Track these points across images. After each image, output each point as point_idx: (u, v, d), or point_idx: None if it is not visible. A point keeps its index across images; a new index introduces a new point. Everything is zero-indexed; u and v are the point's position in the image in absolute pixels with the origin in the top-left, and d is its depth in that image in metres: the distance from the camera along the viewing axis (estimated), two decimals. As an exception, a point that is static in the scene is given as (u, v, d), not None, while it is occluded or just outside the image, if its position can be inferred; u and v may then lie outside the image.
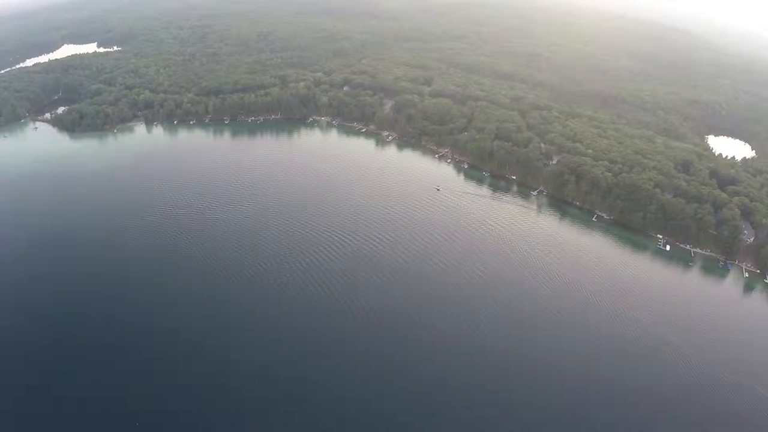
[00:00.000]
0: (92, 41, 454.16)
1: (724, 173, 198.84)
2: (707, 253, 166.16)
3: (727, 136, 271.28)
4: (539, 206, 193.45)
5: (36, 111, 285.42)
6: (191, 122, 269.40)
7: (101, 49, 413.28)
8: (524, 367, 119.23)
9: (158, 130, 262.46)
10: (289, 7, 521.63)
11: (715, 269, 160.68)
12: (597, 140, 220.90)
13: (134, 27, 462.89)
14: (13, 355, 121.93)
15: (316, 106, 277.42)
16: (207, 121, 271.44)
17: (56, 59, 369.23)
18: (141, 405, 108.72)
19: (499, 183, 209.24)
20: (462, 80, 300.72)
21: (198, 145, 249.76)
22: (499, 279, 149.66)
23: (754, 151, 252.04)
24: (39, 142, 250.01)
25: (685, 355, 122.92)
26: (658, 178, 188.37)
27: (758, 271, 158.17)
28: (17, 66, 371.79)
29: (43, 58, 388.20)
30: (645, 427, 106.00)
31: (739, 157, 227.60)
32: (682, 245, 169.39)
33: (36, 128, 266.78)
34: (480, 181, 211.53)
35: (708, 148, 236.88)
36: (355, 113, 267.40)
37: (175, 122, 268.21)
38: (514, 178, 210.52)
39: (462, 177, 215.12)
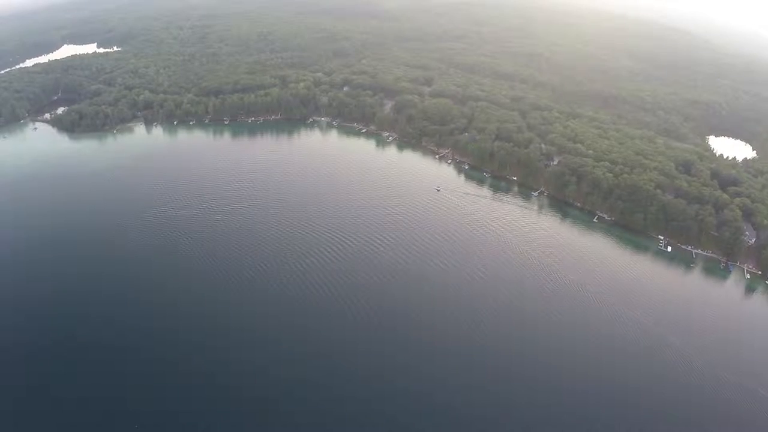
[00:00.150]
0: (92, 41, 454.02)
1: (725, 174, 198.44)
2: (708, 255, 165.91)
3: (728, 136, 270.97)
4: (540, 207, 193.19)
5: (36, 111, 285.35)
6: (191, 123, 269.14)
7: (101, 50, 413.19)
8: (525, 368, 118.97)
9: (158, 131, 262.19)
10: (289, 7, 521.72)
11: (716, 270, 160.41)
12: (598, 141, 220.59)
13: (134, 27, 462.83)
14: (13, 355, 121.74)
15: (316, 106, 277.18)
16: (207, 121, 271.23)
17: (56, 59, 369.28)
18: (141, 405, 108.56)
19: (499, 184, 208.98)
20: (462, 80, 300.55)
21: (198, 146, 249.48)
22: (500, 280, 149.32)
23: (754, 151, 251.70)
24: (38, 142, 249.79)
25: (686, 356, 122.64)
26: (659, 178, 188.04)
27: (760, 272, 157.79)
28: (17, 66, 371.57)
29: (43, 59, 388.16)
30: (645, 427, 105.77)
31: (740, 158, 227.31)
32: (683, 246, 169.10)
33: (35, 129, 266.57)
34: (480, 181, 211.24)
35: (709, 149, 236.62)
36: (355, 114, 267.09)
37: (175, 123, 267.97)
38: (515, 178, 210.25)
39: (462, 178, 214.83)
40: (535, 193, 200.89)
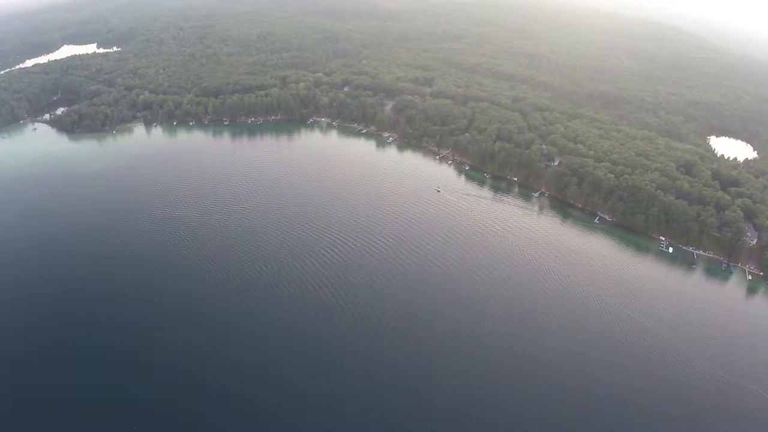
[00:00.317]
0: (92, 42, 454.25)
1: (726, 175, 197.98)
2: (710, 256, 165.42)
3: (729, 136, 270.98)
4: (541, 208, 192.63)
5: (35, 112, 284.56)
6: (190, 123, 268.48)
7: (101, 50, 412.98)
8: (525, 368, 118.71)
9: (157, 131, 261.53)
10: (289, 8, 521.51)
11: (717, 271, 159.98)
12: (599, 141, 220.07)
13: (134, 27, 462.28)
14: (13, 355, 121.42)
15: (316, 106, 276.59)
16: (206, 122, 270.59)
17: (56, 60, 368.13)
18: (141, 405, 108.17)
19: (500, 184, 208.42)
20: (463, 81, 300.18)
21: (197, 147, 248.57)
22: (500, 280, 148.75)
23: (755, 152, 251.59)
24: (38, 143, 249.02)
25: (687, 358, 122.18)
26: (660, 179, 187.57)
27: (761, 273, 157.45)
28: (17, 67, 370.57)
29: (43, 59, 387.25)
30: (646, 428, 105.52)
31: (741, 158, 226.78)
32: (684, 247, 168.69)
33: (35, 129, 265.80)
34: (481, 182, 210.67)
35: (710, 149, 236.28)
36: (355, 114, 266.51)
37: (175, 123, 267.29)
38: (516, 179, 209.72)
39: (463, 178, 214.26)
40: (536, 194, 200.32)
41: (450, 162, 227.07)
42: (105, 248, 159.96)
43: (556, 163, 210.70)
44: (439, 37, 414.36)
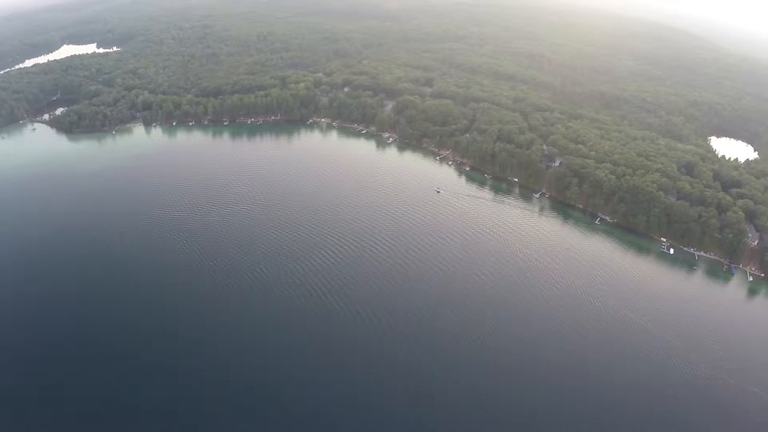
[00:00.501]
0: (92, 42, 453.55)
1: (727, 175, 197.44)
2: (711, 257, 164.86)
3: (730, 137, 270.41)
4: (541, 209, 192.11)
5: (34, 112, 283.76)
6: (190, 124, 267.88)
7: (100, 50, 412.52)
8: (526, 369, 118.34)
9: (157, 132, 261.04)
10: (289, 8, 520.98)
11: (719, 273, 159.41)
12: (600, 142, 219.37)
13: (134, 27, 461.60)
14: (13, 355, 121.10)
15: (316, 107, 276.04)
16: (206, 122, 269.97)
17: (55, 60, 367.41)
18: (140, 405, 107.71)
19: (500, 185, 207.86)
20: (463, 81, 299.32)
21: (197, 147, 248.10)
22: (500, 282, 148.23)
23: (756, 152, 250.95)
24: (37, 143, 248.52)
25: (688, 359, 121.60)
26: (661, 180, 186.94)
27: (763, 274, 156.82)
28: (16, 67, 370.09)
29: (42, 59, 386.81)
30: (647, 429, 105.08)
31: (742, 159, 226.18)
32: (685, 248, 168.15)
33: (34, 129, 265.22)
34: (481, 183, 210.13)
35: (711, 150, 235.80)
36: (355, 114, 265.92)
37: (174, 123, 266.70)
38: (516, 180, 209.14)
39: (463, 179, 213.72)
40: (537, 195, 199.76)
41: (450, 163, 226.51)
42: (104, 248, 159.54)
43: (556, 163, 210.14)
44: (439, 38, 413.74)
